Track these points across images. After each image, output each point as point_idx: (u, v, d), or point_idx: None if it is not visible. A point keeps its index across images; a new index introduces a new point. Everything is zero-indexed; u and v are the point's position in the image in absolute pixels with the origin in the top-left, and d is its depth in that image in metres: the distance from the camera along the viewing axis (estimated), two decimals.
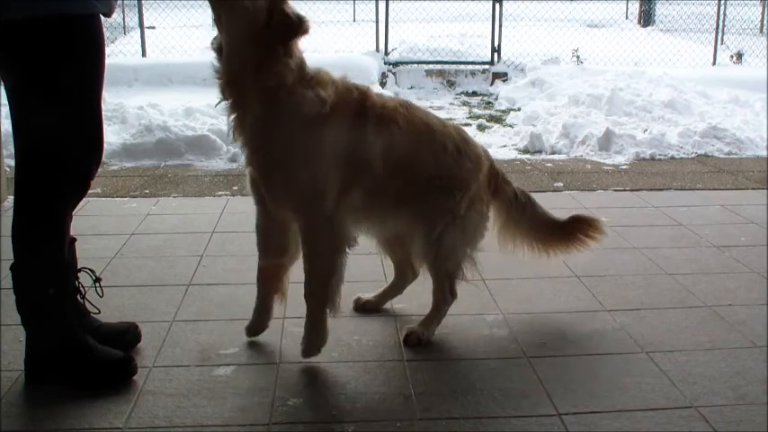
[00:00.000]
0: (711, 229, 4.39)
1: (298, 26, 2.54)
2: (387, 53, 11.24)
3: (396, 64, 10.98)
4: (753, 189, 5.41)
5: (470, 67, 10.99)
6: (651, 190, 5.36)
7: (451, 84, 10.76)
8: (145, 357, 2.81)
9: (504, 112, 8.90)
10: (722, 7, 12.73)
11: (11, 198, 4.37)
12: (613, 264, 3.83)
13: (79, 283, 2.76)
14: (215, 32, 2.63)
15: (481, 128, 7.89)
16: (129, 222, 4.48)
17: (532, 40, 11.69)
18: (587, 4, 14.93)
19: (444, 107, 9.41)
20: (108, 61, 2.63)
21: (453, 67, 10.94)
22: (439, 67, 10.94)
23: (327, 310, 2.76)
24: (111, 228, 4.37)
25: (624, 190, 5.38)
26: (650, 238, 4.24)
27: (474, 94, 10.39)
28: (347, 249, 2.75)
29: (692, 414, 2.48)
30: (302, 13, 2.56)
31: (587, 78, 8.85)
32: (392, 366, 2.79)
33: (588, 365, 2.81)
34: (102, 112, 2.60)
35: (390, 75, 10.75)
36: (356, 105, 2.69)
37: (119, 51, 10.64)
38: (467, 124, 7.99)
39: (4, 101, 2.54)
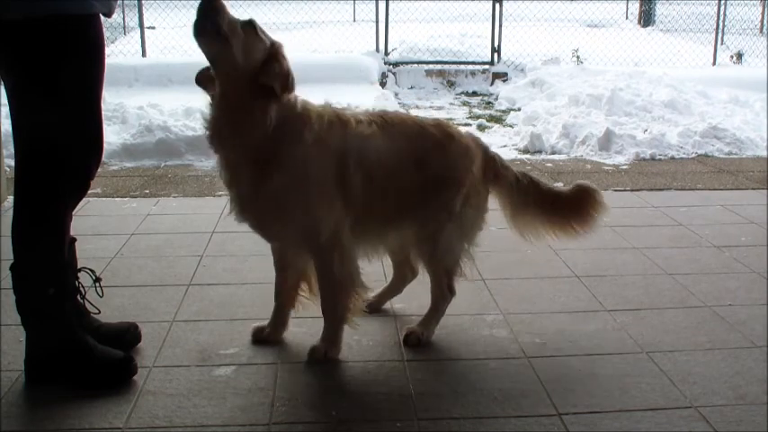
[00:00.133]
0: (711, 229, 4.39)
1: (287, 87, 2.56)
2: (387, 53, 11.24)
3: (396, 64, 10.99)
4: (753, 189, 5.41)
5: (470, 67, 10.99)
6: (651, 190, 5.36)
7: (451, 84, 10.76)
8: (145, 357, 2.81)
9: (504, 112, 8.90)
10: (722, 7, 12.72)
11: (11, 198, 4.37)
12: (613, 264, 3.83)
13: (79, 283, 2.76)
14: None
15: (481, 128, 7.89)
16: (129, 222, 4.48)
17: (532, 40, 11.68)
18: (587, 4, 14.91)
19: (444, 107, 9.42)
20: (108, 61, 2.64)
21: (453, 67, 10.94)
22: (439, 67, 10.94)
23: (343, 325, 2.82)
24: (111, 228, 4.37)
25: (624, 190, 5.37)
26: (650, 238, 4.24)
27: (474, 94, 10.39)
28: (359, 268, 2.80)
29: (692, 414, 2.47)
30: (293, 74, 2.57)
31: (587, 78, 8.84)
32: (392, 366, 2.79)
33: (588, 365, 2.81)
34: (102, 113, 2.60)
35: (390, 75, 10.75)
36: (337, 136, 2.69)
37: (119, 51, 10.65)
38: (467, 124, 7.99)
39: (4, 101, 2.54)
